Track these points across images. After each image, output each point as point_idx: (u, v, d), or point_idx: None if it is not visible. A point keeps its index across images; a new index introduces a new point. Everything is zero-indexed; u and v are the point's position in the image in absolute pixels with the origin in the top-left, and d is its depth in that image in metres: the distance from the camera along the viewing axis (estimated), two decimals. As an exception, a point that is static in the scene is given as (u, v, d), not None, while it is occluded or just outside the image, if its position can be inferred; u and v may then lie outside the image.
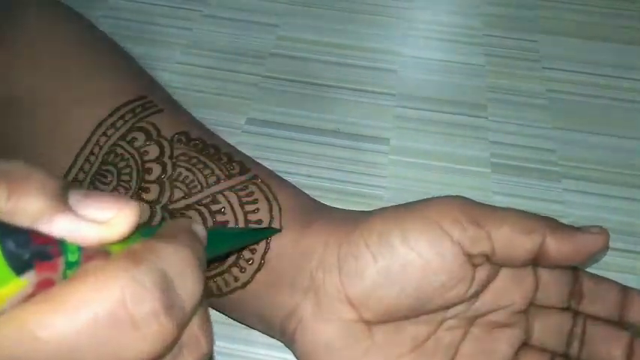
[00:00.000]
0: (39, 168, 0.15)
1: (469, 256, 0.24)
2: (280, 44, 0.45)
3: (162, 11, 0.47)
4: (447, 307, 0.26)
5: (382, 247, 0.24)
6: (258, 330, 0.28)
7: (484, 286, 0.26)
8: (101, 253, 0.15)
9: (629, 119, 0.41)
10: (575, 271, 0.27)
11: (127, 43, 0.33)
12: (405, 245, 0.24)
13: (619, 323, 0.27)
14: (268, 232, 0.26)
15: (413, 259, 0.24)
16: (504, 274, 0.26)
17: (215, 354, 0.28)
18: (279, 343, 0.28)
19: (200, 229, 0.19)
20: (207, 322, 0.18)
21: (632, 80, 0.44)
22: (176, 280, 0.16)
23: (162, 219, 0.26)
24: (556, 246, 0.24)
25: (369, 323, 0.25)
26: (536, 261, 0.25)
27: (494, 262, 0.25)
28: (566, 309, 0.27)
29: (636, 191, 0.36)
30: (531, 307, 0.27)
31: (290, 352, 0.28)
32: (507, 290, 0.26)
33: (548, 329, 0.26)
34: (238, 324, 0.29)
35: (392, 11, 0.49)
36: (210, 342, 0.18)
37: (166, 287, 0.15)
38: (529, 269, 0.27)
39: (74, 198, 0.15)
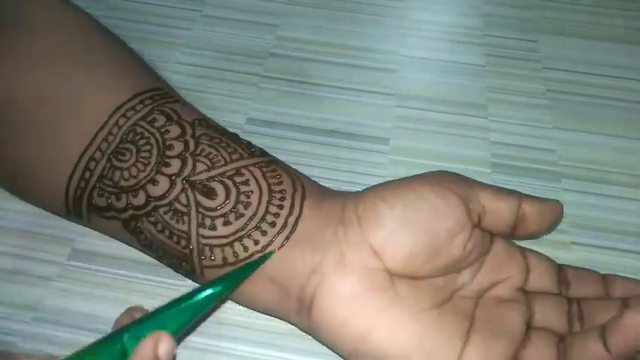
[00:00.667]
0: None
1: (470, 211, 0.27)
2: (280, 44, 0.45)
3: (162, 11, 0.47)
4: (457, 261, 0.27)
5: (396, 199, 0.26)
6: (265, 303, 0.27)
7: (481, 250, 0.28)
8: None
9: (629, 119, 0.41)
10: (556, 262, 0.29)
11: (127, 43, 0.33)
12: (416, 194, 0.26)
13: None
14: (262, 259, 0.26)
15: (423, 205, 0.26)
16: (496, 251, 0.28)
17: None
18: (278, 343, 0.28)
19: (166, 349, 0.21)
20: None
21: (632, 80, 0.44)
22: None
23: (182, 189, 0.27)
24: (532, 209, 0.28)
25: (391, 275, 0.26)
26: (517, 228, 0.28)
27: (484, 227, 0.28)
28: (559, 295, 0.28)
29: (636, 191, 0.36)
30: (529, 293, 0.28)
31: (289, 351, 0.28)
32: (503, 262, 0.28)
33: (549, 309, 0.28)
34: (235, 323, 0.29)
35: (392, 11, 0.49)
36: None
37: None
38: (516, 249, 0.29)
39: None
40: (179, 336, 0.23)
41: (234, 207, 0.26)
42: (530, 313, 0.27)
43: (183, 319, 0.23)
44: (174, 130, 0.28)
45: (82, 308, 0.29)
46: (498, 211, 0.28)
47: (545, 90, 0.43)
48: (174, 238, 0.27)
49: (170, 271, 0.30)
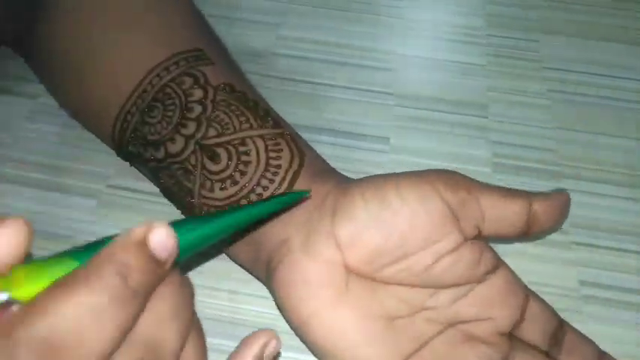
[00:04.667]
0: None
1: (457, 220, 0.26)
2: (281, 43, 0.45)
3: (163, 10, 0.47)
4: (429, 274, 0.26)
5: (376, 195, 0.26)
6: (243, 262, 0.29)
7: (467, 273, 0.26)
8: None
9: (629, 119, 0.41)
10: (560, 319, 0.28)
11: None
12: (397, 196, 0.26)
13: None
14: (296, 195, 0.27)
15: (402, 209, 0.25)
16: (494, 283, 0.27)
17: (211, 352, 0.28)
18: (288, 343, 0.28)
19: (157, 238, 0.16)
20: None
21: (632, 80, 0.44)
22: (71, 338, 0.14)
23: (193, 151, 0.29)
24: (543, 208, 0.27)
25: (349, 272, 0.26)
26: (529, 228, 0.27)
27: (486, 234, 0.26)
28: (546, 353, 0.27)
29: (636, 191, 0.36)
30: (514, 340, 0.27)
31: (287, 350, 0.28)
32: (494, 301, 0.27)
33: None
34: (235, 322, 0.29)
35: (392, 11, 0.49)
36: None
37: (50, 351, 0.14)
38: (519, 291, 0.27)
39: None
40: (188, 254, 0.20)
41: (232, 174, 0.28)
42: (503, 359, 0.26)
43: (200, 232, 0.20)
44: (197, 94, 0.30)
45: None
46: (506, 217, 0.26)
47: (546, 90, 0.43)
48: (183, 192, 0.29)
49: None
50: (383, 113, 0.40)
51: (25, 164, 0.35)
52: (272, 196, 0.26)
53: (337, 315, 0.25)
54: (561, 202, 0.28)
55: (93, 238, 0.31)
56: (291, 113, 0.40)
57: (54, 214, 0.33)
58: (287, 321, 0.27)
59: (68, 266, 0.15)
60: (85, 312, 0.14)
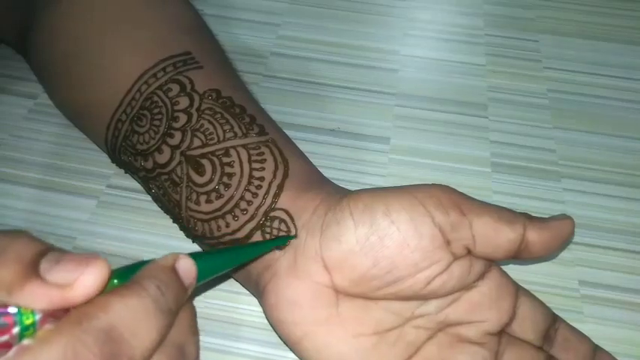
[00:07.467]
0: (21, 237, 0.17)
1: (448, 243, 0.25)
2: (281, 43, 0.45)
3: (163, 10, 0.47)
4: (419, 294, 0.25)
5: (365, 216, 0.25)
6: (237, 279, 0.29)
7: (459, 285, 0.26)
8: (60, 311, 0.17)
9: (629, 119, 0.41)
10: (554, 315, 0.28)
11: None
12: (386, 218, 0.25)
13: None
14: (279, 241, 0.26)
15: (391, 233, 0.25)
16: (483, 289, 0.26)
17: (208, 351, 0.28)
18: (273, 340, 0.28)
19: (184, 265, 0.20)
20: None
21: (632, 80, 0.44)
22: (126, 331, 0.17)
23: (179, 162, 0.28)
24: (537, 235, 0.25)
25: (338, 292, 0.26)
26: (519, 254, 0.26)
27: (476, 255, 0.26)
28: (540, 349, 0.27)
29: (636, 191, 0.36)
30: (505, 336, 0.27)
31: (283, 349, 0.28)
32: (483, 306, 0.26)
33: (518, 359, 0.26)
34: (235, 322, 0.29)
35: (393, 11, 0.49)
36: None
37: (110, 340, 0.17)
38: (509, 292, 0.27)
39: (46, 264, 0.17)
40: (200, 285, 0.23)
41: (216, 186, 0.28)
42: (493, 358, 0.26)
43: (211, 264, 0.23)
44: (183, 102, 0.29)
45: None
46: (496, 241, 0.25)
47: (545, 90, 0.43)
48: (172, 204, 0.29)
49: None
50: (383, 113, 0.40)
51: (25, 164, 0.35)
52: (266, 240, 0.26)
53: (329, 336, 0.25)
54: (560, 231, 0.26)
55: (93, 238, 0.32)
56: (291, 113, 0.40)
57: (54, 214, 0.33)
58: (281, 340, 0.27)
59: (110, 284, 0.18)
60: (136, 312, 0.18)
